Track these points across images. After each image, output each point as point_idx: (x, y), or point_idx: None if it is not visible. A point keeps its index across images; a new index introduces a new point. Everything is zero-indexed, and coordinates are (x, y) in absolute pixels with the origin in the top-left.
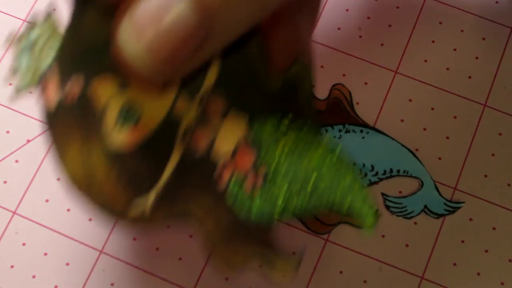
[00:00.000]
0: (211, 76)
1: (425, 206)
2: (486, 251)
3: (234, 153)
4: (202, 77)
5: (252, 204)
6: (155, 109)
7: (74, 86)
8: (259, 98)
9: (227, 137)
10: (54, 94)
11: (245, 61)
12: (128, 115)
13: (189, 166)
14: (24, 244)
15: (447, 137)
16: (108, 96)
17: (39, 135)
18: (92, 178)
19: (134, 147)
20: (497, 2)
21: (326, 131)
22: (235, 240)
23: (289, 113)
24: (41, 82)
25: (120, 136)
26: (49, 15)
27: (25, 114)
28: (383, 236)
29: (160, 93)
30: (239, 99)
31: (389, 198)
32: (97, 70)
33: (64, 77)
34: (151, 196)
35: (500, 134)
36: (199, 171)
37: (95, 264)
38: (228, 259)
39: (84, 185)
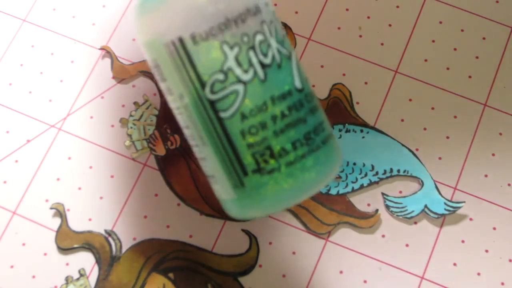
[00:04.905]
0: None
1: (425, 206)
2: (486, 251)
3: None
4: None
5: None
6: None
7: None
8: None
9: None
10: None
11: None
12: None
13: None
14: (24, 244)
15: (447, 137)
16: None
17: (39, 135)
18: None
19: None
20: (497, 2)
21: None
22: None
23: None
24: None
25: None
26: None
27: (25, 114)
28: (383, 236)
29: None
30: None
31: (389, 198)
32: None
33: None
34: None
35: (500, 134)
36: None
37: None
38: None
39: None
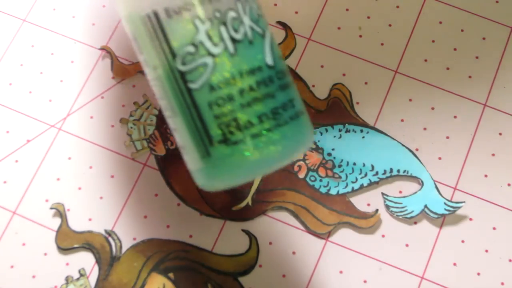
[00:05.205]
0: None
1: (425, 206)
2: (486, 251)
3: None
4: None
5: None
6: None
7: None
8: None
9: None
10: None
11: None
12: None
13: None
14: (24, 244)
15: (447, 137)
16: None
17: (39, 135)
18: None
19: None
20: (497, 2)
21: (326, 130)
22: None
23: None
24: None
25: None
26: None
27: (25, 114)
28: (383, 236)
29: None
30: None
31: (389, 198)
32: None
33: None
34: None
35: (500, 134)
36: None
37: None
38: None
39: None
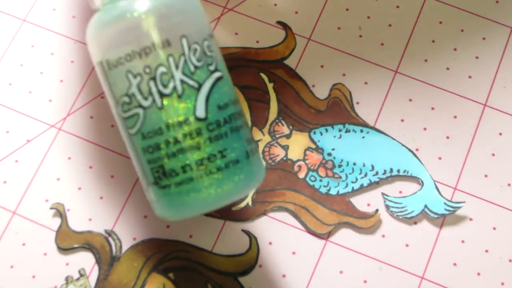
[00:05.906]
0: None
1: (425, 206)
2: (486, 251)
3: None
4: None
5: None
6: None
7: None
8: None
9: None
10: None
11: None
12: None
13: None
14: (24, 244)
15: (447, 137)
16: None
17: (39, 135)
18: None
19: None
20: (497, 2)
21: (326, 130)
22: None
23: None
24: None
25: None
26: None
27: (25, 114)
28: (383, 236)
29: None
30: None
31: (389, 198)
32: None
33: None
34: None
35: (500, 134)
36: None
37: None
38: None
39: None
